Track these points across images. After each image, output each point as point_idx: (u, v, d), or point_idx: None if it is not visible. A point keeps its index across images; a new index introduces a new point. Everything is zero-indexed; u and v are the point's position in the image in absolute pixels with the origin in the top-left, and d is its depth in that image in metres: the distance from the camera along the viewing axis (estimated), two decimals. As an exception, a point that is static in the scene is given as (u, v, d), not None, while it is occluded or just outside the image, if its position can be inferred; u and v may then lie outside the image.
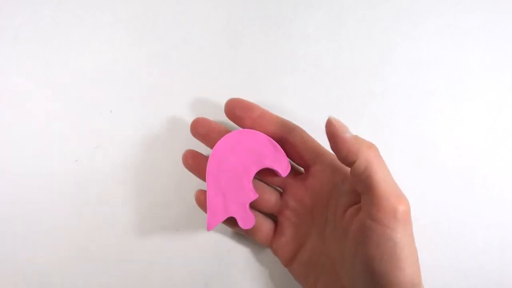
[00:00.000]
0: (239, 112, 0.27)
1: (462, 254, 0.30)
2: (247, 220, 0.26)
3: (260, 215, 0.29)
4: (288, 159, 0.27)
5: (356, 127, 0.31)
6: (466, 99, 0.32)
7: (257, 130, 0.27)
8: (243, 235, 0.30)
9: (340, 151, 0.23)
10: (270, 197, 0.28)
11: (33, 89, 0.31)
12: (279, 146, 0.26)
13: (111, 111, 0.31)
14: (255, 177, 0.28)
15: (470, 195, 0.31)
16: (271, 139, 0.26)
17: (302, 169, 0.29)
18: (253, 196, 0.26)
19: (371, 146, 0.23)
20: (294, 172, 0.28)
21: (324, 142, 0.27)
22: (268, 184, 0.29)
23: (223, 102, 0.30)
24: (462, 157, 0.31)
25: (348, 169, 0.24)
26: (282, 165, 0.26)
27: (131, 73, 0.32)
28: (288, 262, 0.27)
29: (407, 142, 0.31)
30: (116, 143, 0.31)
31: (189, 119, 0.31)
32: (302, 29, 0.32)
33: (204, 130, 0.28)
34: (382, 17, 0.32)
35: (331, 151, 0.25)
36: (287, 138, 0.27)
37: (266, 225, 0.28)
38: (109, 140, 0.31)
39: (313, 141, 0.27)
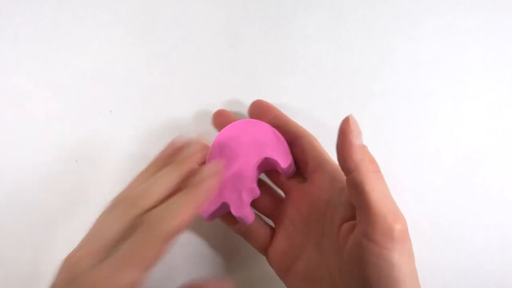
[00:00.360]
0: (258, 112, 0.28)
1: (462, 254, 0.30)
2: (240, 207, 0.25)
3: (260, 221, 0.28)
4: (291, 154, 0.26)
5: (356, 127, 0.31)
6: (466, 99, 0.32)
7: None
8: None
9: (342, 153, 0.22)
10: (271, 200, 0.28)
11: (33, 89, 0.31)
12: (282, 138, 0.26)
13: (111, 111, 0.31)
14: (260, 178, 0.28)
15: (470, 195, 0.31)
16: (275, 130, 0.26)
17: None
18: (250, 184, 0.25)
19: (373, 161, 0.22)
20: (298, 178, 0.28)
21: (323, 144, 0.27)
22: (273, 188, 0.29)
23: (223, 102, 0.30)
24: (462, 157, 0.31)
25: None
26: (283, 156, 0.26)
27: (131, 73, 0.32)
28: (283, 274, 0.26)
29: (407, 142, 0.31)
30: (116, 143, 0.31)
31: (189, 119, 0.31)
32: (302, 29, 0.32)
33: (223, 121, 0.28)
34: (382, 17, 0.32)
35: (335, 159, 0.24)
36: (296, 141, 0.27)
37: (264, 231, 0.28)
38: (109, 140, 0.31)
39: (320, 149, 0.26)
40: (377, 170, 0.22)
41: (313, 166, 0.26)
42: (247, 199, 0.26)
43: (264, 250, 0.28)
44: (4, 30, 0.32)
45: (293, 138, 0.27)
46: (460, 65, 0.32)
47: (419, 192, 0.31)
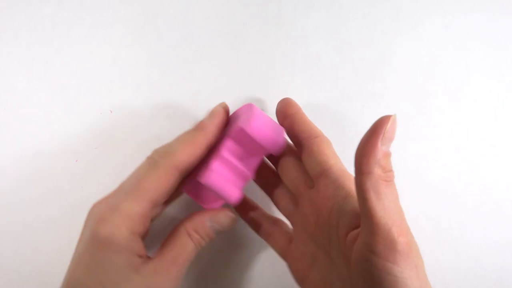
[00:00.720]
0: (281, 108, 0.28)
1: (462, 254, 0.30)
2: (205, 174, 0.24)
3: (282, 225, 0.28)
4: (260, 119, 0.25)
5: (356, 127, 0.31)
6: (466, 99, 0.32)
7: (286, 127, 0.27)
8: (251, 232, 0.30)
9: (361, 151, 0.20)
10: (289, 202, 0.27)
11: (33, 89, 0.31)
12: (255, 107, 0.26)
13: (111, 111, 0.31)
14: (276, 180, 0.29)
15: (470, 195, 0.31)
16: (254, 105, 0.26)
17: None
18: (218, 152, 0.25)
19: (388, 171, 0.20)
20: (307, 183, 0.26)
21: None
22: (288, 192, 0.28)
23: (223, 102, 0.30)
24: (462, 157, 0.31)
25: (352, 187, 0.23)
26: (247, 121, 0.25)
27: (131, 73, 0.32)
28: (300, 281, 0.26)
29: (407, 142, 0.31)
30: (116, 143, 0.31)
31: (189, 119, 0.31)
32: (302, 29, 0.32)
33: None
34: (382, 17, 0.32)
35: (345, 163, 0.24)
36: (306, 143, 0.26)
37: (284, 236, 0.27)
38: (109, 140, 0.31)
39: (328, 152, 0.25)
40: (389, 180, 0.20)
41: (318, 171, 0.25)
42: (216, 166, 0.25)
43: (284, 255, 0.27)
44: (4, 30, 0.32)
45: (304, 139, 0.26)
46: (460, 65, 0.32)
47: (419, 192, 0.31)
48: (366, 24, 0.32)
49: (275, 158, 0.28)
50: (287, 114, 0.27)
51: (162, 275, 0.22)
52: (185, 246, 0.24)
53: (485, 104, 0.31)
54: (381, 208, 0.19)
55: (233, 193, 0.25)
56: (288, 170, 0.27)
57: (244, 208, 0.29)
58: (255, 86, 0.32)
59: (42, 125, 0.31)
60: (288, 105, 0.28)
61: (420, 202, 0.30)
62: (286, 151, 0.27)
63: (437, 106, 0.31)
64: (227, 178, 0.25)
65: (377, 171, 0.20)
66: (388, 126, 0.20)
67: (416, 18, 0.32)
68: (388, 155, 0.20)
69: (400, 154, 0.31)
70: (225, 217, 0.25)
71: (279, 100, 0.31)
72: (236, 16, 0.32)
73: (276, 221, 0.29)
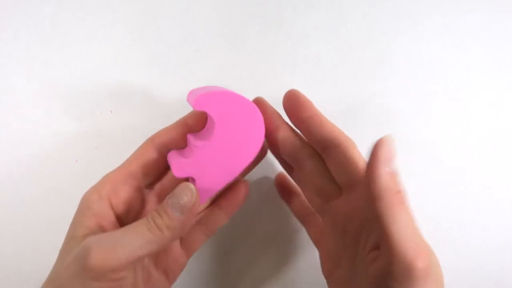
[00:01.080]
0: (292, 107, 0.26)
1: (462, 254, 0.30)
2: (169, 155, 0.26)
3: (318, 218, 0.28)
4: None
5: (356, 127, 0.31)
6: (466, 99, 0.32)
7: (303, 132, 0.25)
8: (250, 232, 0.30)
9: (367, 178, 0.20)
10: (317, 202, 0.26)
11: (33, 89, 0.31)
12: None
13: (111, 111, 0.31)
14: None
15: (470, 195, 0.31)
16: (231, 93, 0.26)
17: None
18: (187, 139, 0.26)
19: (399, 192, 0.20)
20: (333, 190, 0.25)
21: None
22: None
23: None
24: (462, 157, 0.31)
25: None
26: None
27: (131, 73, 0.32)
28: (326, 276, 0.26)
29: (407, 142, 0.31)
30: (116, 143, 0.31)
31: (189, 119, 0.31)
32: (302, 29, 0.32)
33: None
34: (382, 17, 0.32)
35: None
36: (331, 150, 0.24)
37: (318, 228, 0.27)
38: (109, 140, 0.31)
39: (356, 161, 0.24)
40: (401, 202, 0.20)
41: (348, 181, 0.24)
42: (186, 151, 0.26)
43: (317, 245, 0.27)
44: (4, 30, 0.32)
45: (327, 147, 0.24)
46: (460, 65, 0.32)
47: (419, 192, 0.31)
48: (366, 24, 0.32)
49: (299, 163, 0.26)
50: (302, 118, 0.25)
51: (101, 242, 0.22)
52: (138, 222, 0.23)
53: (485, 104, 0.31)
54: (396, 231, 0.19)
55: (174, 164, 0.25)
56: (312, 177, 0.26)
57: (286, 192, 0.30)
58: (255, 86, 0.32)
59: (42, 125, 0.31)
60: (300, 106, 0.25)
61: (420, 202, 0.30)
62: (308, 156, 0.26)
63: (437, 106, 0.31)
64: (183, 154, 0.26)
65: (387, 195, 0.20)
66: (384, 147, 0.20)
67: (416, 18, 0.32)
68: (393, 175, 0.20)
69: (400, 154, 0.31)
70: (178, 188, 0.23)
71: (280, 100, 0.31)
72: (236, 16, 0.32)
73: (314, 212, 0.28)
